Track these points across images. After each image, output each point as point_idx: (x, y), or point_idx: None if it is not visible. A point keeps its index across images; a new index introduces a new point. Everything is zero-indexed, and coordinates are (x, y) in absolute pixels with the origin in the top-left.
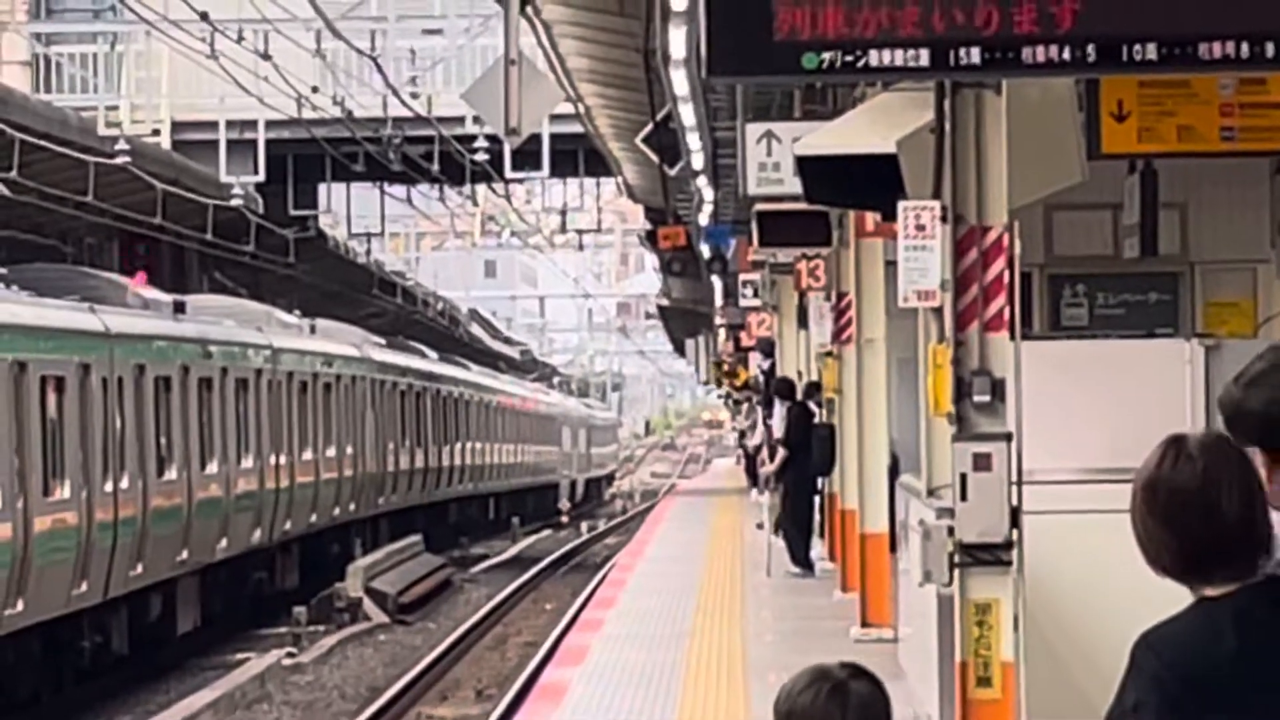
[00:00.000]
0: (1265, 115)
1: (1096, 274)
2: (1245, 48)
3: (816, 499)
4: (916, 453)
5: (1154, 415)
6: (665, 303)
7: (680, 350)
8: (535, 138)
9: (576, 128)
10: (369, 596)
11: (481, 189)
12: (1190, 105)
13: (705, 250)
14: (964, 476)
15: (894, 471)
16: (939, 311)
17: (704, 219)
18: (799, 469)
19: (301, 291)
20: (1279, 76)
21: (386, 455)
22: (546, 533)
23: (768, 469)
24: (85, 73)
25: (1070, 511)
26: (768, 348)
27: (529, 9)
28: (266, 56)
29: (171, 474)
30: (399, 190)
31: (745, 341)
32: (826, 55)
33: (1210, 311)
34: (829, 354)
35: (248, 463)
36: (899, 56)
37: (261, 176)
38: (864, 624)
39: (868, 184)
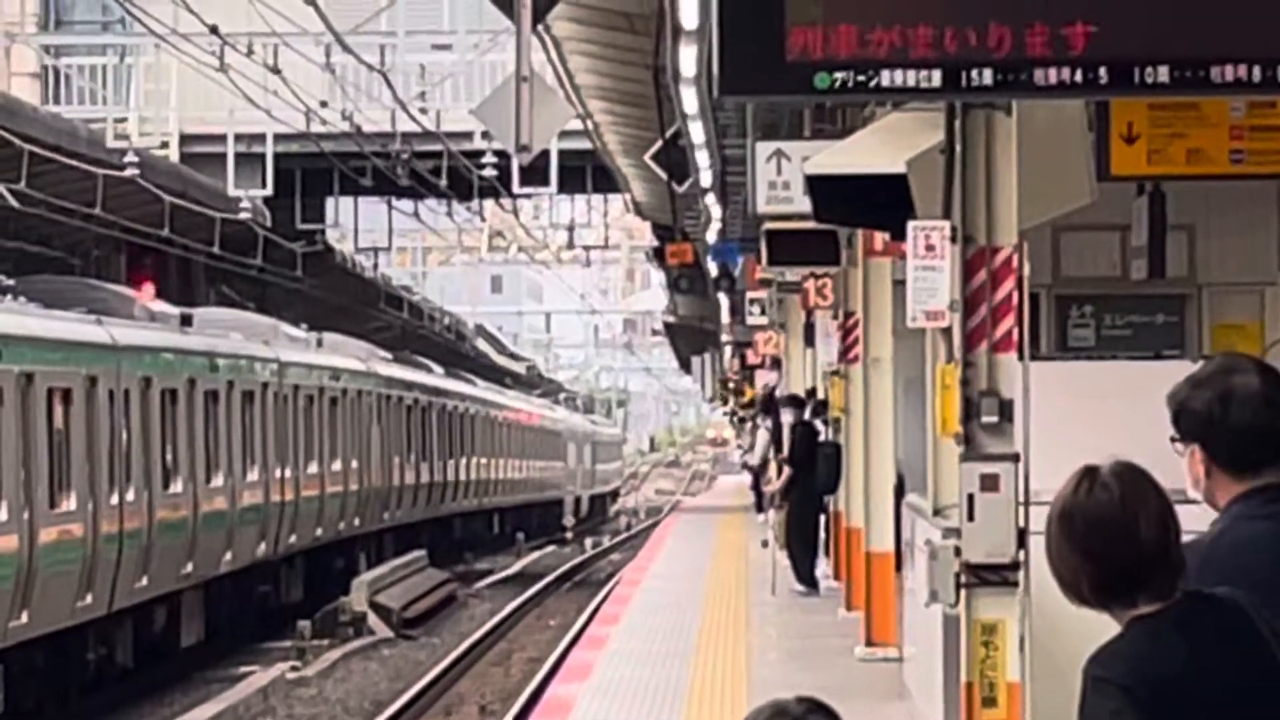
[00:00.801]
0: (1275, 138)
1: (1104, 295)
2: (1258, 71)
3: (822, 517)
4: (922, 472)
5: (1161, 437)
6: (671, 320)
7: (686, 367)
8: (544, 154)
9: (585, 144)
10: (373, 611)
11: (489, 204)
12: (1200, 128)
13: (713, 268)
14: (971, 497)
15: (899, 491)
16: (947, 332)
17: (712, 236)
18: (804, 487)
19: (308, 305)
20: None
21: (392, 469)
22: (551, 548)
23: (772, 487)
24: (94, 85)
25: None
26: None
27: (540, 26)
28: (276, 70)
29: (177, 486)
30: (407, 205)
31: (751, 359)
32: (838, 75)
33: (1218, 333)
34: (836, 373)
35: (253, 476)
36: (911, 77)
37: (269, 190)
38: (869, 643)
39: (877, 203)
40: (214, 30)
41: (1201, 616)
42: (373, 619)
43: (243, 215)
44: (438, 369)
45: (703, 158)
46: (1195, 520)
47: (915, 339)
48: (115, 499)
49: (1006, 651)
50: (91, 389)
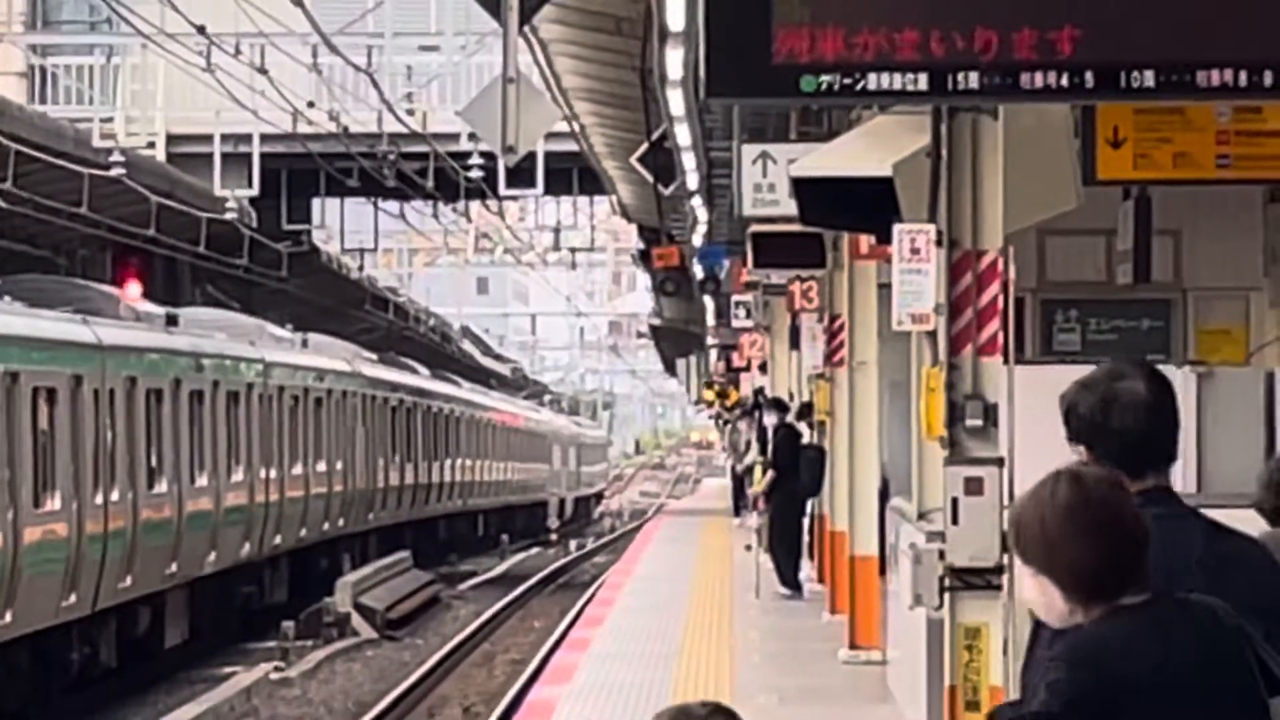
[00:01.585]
0: (1261, 144)
1: (1089, 300)
2: (1244, 76)
3: (805, 520)
4: (907, 476)
5: None
6: (657, 322)
7: (671, 370)
8: (530, 156)
9: (571, 146)
10: (357, 612)
11: (475, 206)
12: (1186, 132)
13: (698, 270)
14: (955, 500)
15: (884, 494)
16: (933, 335)
17: (698, 239)
18: (787, 490)
19: (294, 306)
20: (1275, 105)
21: (376, 471)
22: (535, 550)
23: (755, 489)
24: (81, 84)
25: None
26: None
27: (527, 28)
28: (262, 70)
29: (162, 487)
30: (393, 206)
31: (737, 362)
32: (825, 78)
33: (1202, 339)
34: (821, 376)
35: (238, 476)
36: (897, 80)
37: (256, 190)
38: (852, 646)
39: (863, 207)
40: (201, 30)
41: (1181, 615)
42: (357, 620)
43: (229, 215)
44: (423, 370)
45: (689, 160)
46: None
47: (900, 342)
48: (100, 499)
49: (990, 655)
50: (76, 389)
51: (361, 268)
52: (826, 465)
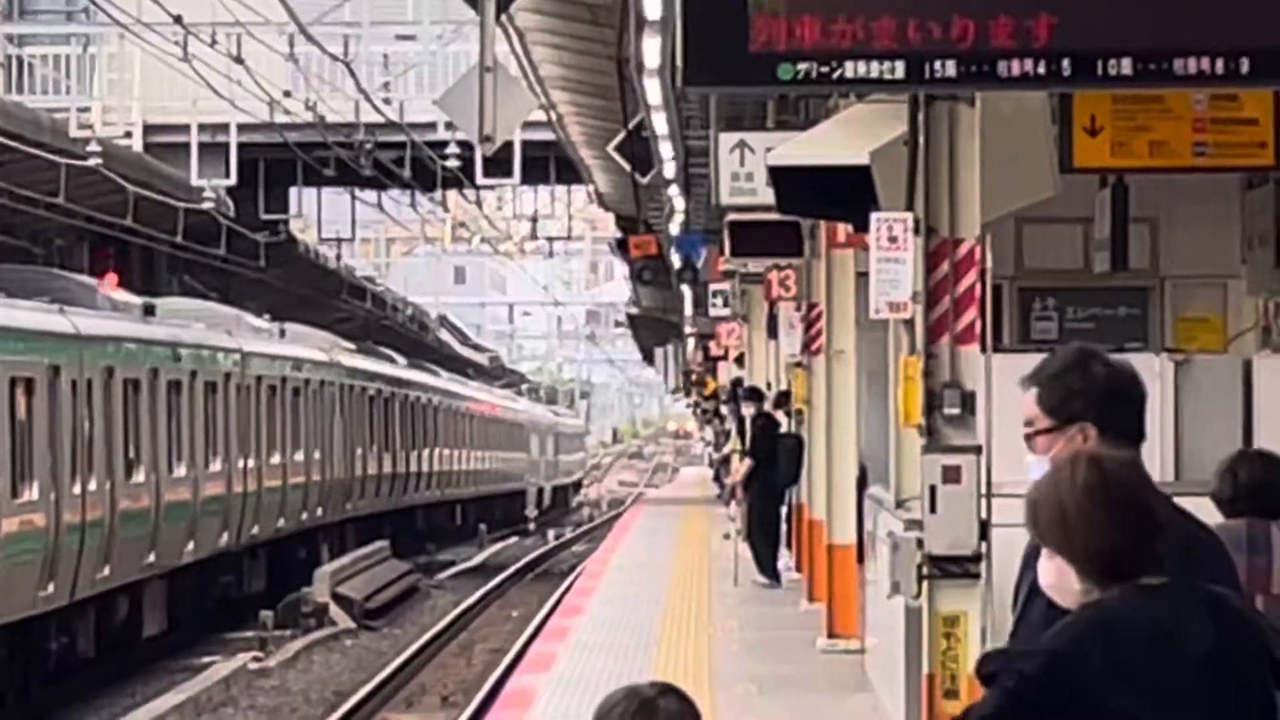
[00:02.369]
0: (1238, 131)
1: (1067, 288)
2: (1220, 64)
3: (783, 509)
4: (885, 464)
5: None
6: (635, 311)
7: (649, 359)
8: (507, 145)
9: (548, 135)
10: (336, 601)
11: (452, 195)
12: (1163, 120)
13: (676, 259)
14: (933, 489)
15: (862, 483)
16: (910, 323)
17: (675, 228)
18: (765, 479)
19: (271, 295)
20: (1252, 92)
21: (354, 460)
22: (513, 540)
23: (733, 479)
24: (57, 74)
25: None
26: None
27: (504, 17)
28: (239, 60)
29: (139, 477)
30: (370, 195)
31: (714, 351)
32: (802, 66)
33: (1180, 327)
34: (798, 365)
35: (216, 466)
36: (874, 68)
37: (233, 180)
38: (830, 635)
39: (840, 195)
40: (177, 20)
41: (1198, 600)
42: (335, 610)
43: (206, 205)
44: (401, 360)
45: (666, 149)
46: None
47: (878, 331)
48: (78, 489)
49: (968, 643)
50: (54, 378)
51: (339, 257)
52: (804, 454)
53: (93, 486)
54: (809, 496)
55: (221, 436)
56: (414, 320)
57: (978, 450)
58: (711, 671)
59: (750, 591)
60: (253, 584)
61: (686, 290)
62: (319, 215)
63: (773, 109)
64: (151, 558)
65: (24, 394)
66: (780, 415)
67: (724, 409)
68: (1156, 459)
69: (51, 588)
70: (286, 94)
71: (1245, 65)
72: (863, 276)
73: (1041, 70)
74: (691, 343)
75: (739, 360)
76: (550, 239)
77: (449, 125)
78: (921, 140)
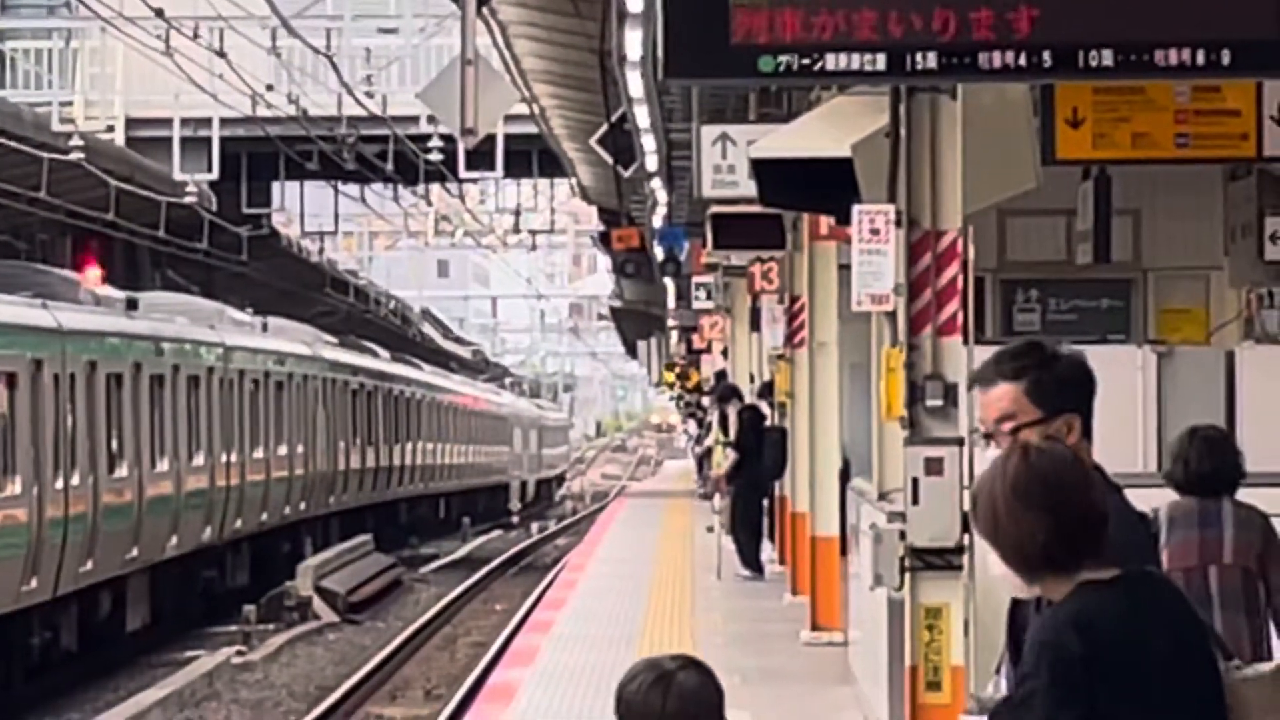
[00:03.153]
0: (1220, 122)
1: (1049, 280)
2: (1201, 55)
3: (767, 502)
4: (868, 456)
5: (1106, 421)
6: (618, 304)
7: (632, 352)
8: (490, 138)
9: (531, 128)
10: (319, 595)
11: (435, 188)
12: (1145, 112)
13: (659, 252)
14: (916, 481)
15: (845, 475)
16: (892, 316)
17: (658, 221)
18: (750, 472)
19: (254, 289)
20: (1234, 84)
21: (337, 454)
22: (497, 533)
23: (718, 472)
24: (40, 68)
25: None
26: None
27: (485, 9)
28: (221, 54)
29: (122, 471)
30: (353, 189)
31: (697, 344)
32: (783, 58)
33: (1163, 318)
34: (781, 357)
35: (199, 460)
36: (855, 60)
37: (215, 174)
38: (814, 627)
39: (822, 187)
40: (159, 14)
41: (1145, 589)
42: (318, 604)
43: (188, 199)
44: (383, 353)
45: (648, 141)
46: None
47: (861, 323)
48: (60, 483)
49: (951, 635)
50: (36, 373)
51: (322, 251)
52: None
53: (75, 481)
54: (792, 489)
55: (204, 431)
56: (397, 314)
57: (960, 442)
58: None
59: (733, 584)
60: (236, 578)
61: (669, 283)
62: (301, 209)
63: (755, 101)
64: (134, 552)
65: (6, 388)
66: (764, 406)
67: (705, 400)
68: (1139, 450)
69: (34, 582)
70: (269, 88)
71: (1226, 56)
72: (845, 269)
73: (1023, 62)
74: (675, 335)
75: (724, 353)
76: (533, 232)
77: (431, 119)
78: (903, 132)
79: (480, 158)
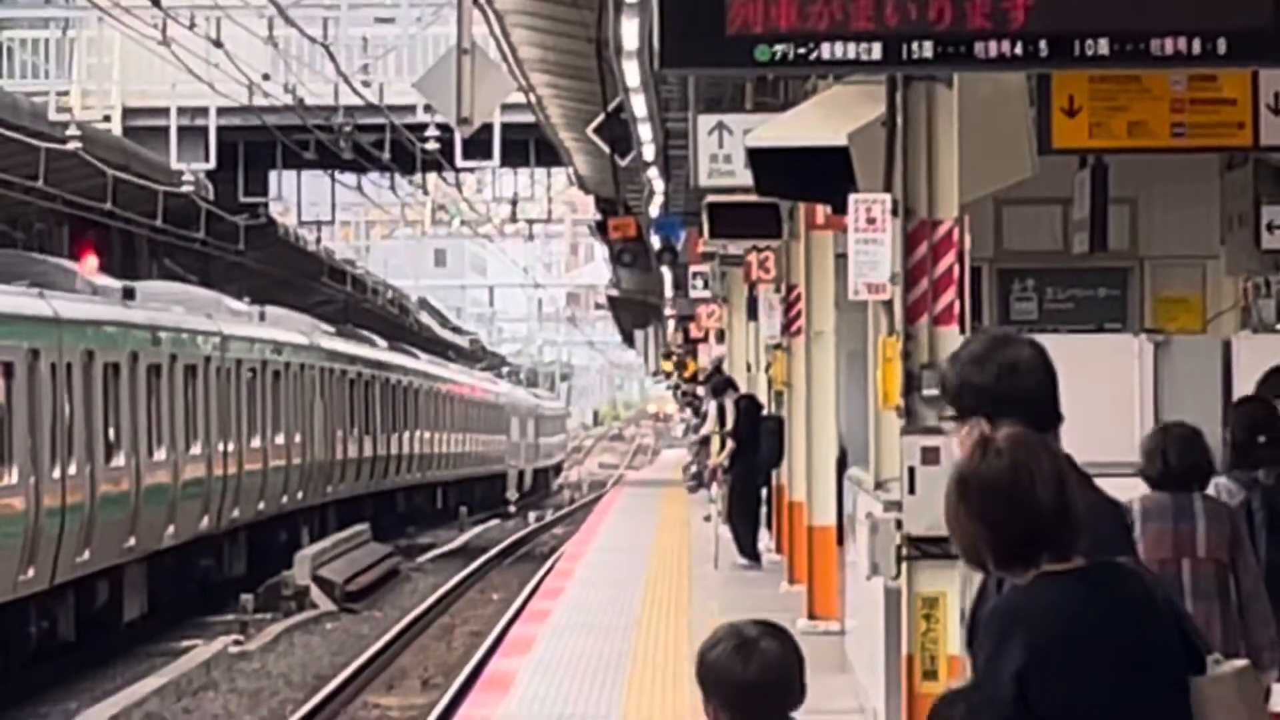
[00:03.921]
0: (1216, 111)
1: (1046, 269)
2: (1197, 44)
3: (764, 491)
4: (865, 446)
5: (1103, 410)
6: (615, 293)
7: (629, 341)
8: (486, 127)
9: (528, 117)
10: (316, 585)
11: (432, 178)
12: (1141, 101)
13: (655, 241)
14: (912, 470)
15: (842, 464)
16: (889, 305)
17: (654, 210)
18: (747, 461)
19: (251, 279)
20: (1230, 73)
21: (334, 443)
22: (494, 522)
23: (715, 460)
24: (36, 58)
25: None
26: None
27: None
28: (218, 43)
29: (119, 460)
30: (350, 178)
31: (694, 333)
32: (779, 48)
33: (1160, 307)
34: (778, 346)
35: (196, 450)
36: (851, 50)
37: (212, 163)
38: (811, 616)
39: (819, 177)
40: (156, 3)
41: (1105, 580)
42: (315, 593)
43: (185, 189)
44: (381, 343)
45: (645, 131)
46: (1128, 492)
47: (857, 312)
48: (57, 473)
49: (947, 624)
50: (33, 362)
51: (319, 240)
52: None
53: (72, 470)
54: (789, 478)
55: (201, 420)
56: (394, 303)
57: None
58: (692, 653)
59: (730, 573)
60: (233, 567)
61: (666, 272)
62: (298, 198)
63: (751, 91)
64: (131, 541)
65: (3, 378)
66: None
67: (700, 390)
68: (1136, 439)
69: (31, 572)
70: (266, 77)
71: (1222, 45)
72: (842, 258)
73: (1019, 51)
74: (672, 324)
75: (720, 336)
76: (530, 221)
77: (428, 108)
78: (899, 121)
79: (477, 147)
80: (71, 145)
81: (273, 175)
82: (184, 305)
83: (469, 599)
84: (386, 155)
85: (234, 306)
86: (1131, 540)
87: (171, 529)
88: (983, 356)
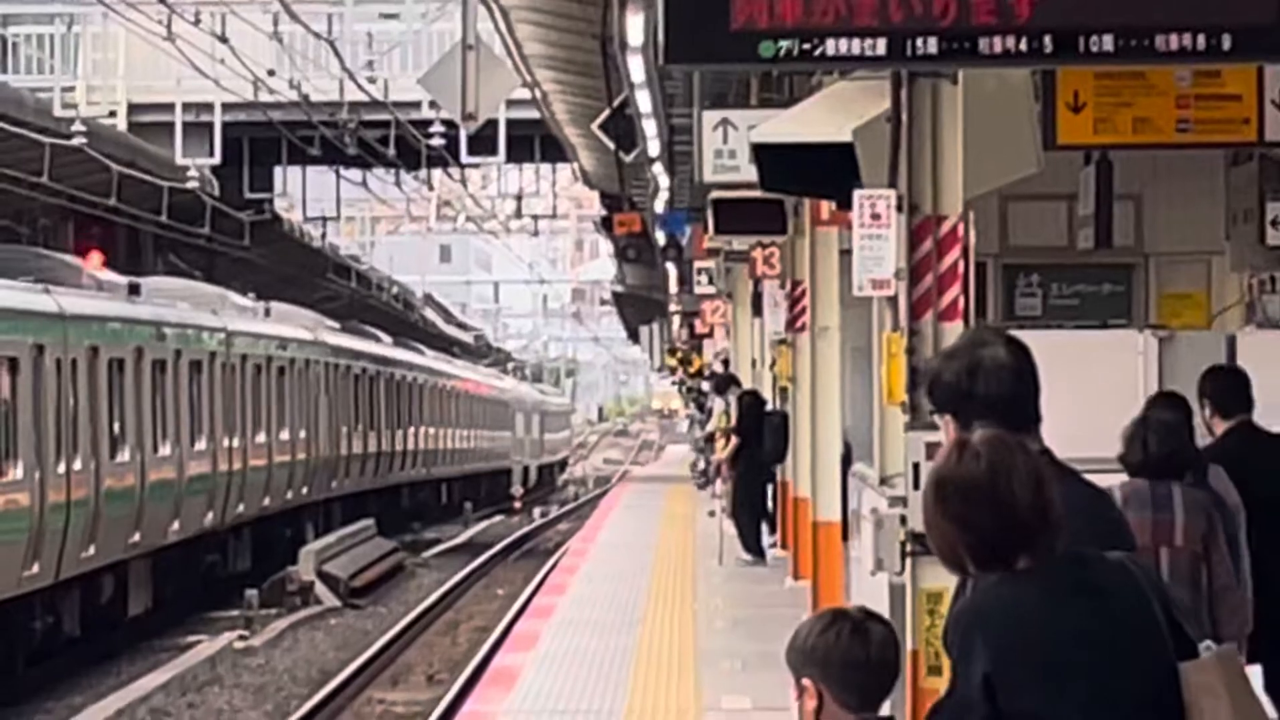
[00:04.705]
0: (1221, 107)
1: (1051, 265)
2: (1202, 40)
3: (769, 487)
4: (869, 441)
5: (1107, 406)
6: (620, 289)
7: (634, 337)
8: (491, 123)
9: (533, 113)
10: (321, 580)
11: (437, 174)
12: (1146, 97)
13: (660, 237)
14: (917, 466)
15: (846, 460)
16: (893, 300)
17: (659, 206)
18: (751, 457)
19: (256, 274)
20: (1235, 69)
21: (339, 439)
22: (499, 518)
23: (719, 456)
24: (41, 54)
25: None
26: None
27: None
28: (223, 39)
29: (124, 456)
30: (355, 174)
31: (699, 329)
32: (784, 43)
33: (1164, 303)
34: (783, 342)
35: (201, 445)
36: (856, 46)
37: (217, 159)
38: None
39: (823, 172)
40: None
41: (1068, 574)
42: (320, 588)
43: (190, 184)
44: (386, 338)
45: (650, 127)
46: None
47: (862, 308)
48: (62, 468)
49: None
50: (39, 358)
51: (324, 236)
52: (790, 431)
53: (77, 466)
54: (794, 474)
55: (206, 415)
56: (399, 299)
57: None
58: (696, 649)
59: (735, 569)
60: (238, 563)
61: (671, 268)
62: (304, 194)
63: (756, 86)
64: (136, 537)
65: (8, 373)
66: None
67: (705, 385)
68: None
69: (36, 567)
70: (271, 73)
71: (1227, 41)
72: (846, 254)
73: (1023, 47)
74: (677, 320)
75: (727, 331)
76: (535, 217)
77: (433, 104)
78: (904, 117)
79: (482, 143)
80: (77, 141)
81: (278, 171)
82: (189, 301)
83: (474, 594)
84: (391, 151)
85: (239, 302)
86: (1127, 527)
87: (176, 524)
88: (953, 354)
